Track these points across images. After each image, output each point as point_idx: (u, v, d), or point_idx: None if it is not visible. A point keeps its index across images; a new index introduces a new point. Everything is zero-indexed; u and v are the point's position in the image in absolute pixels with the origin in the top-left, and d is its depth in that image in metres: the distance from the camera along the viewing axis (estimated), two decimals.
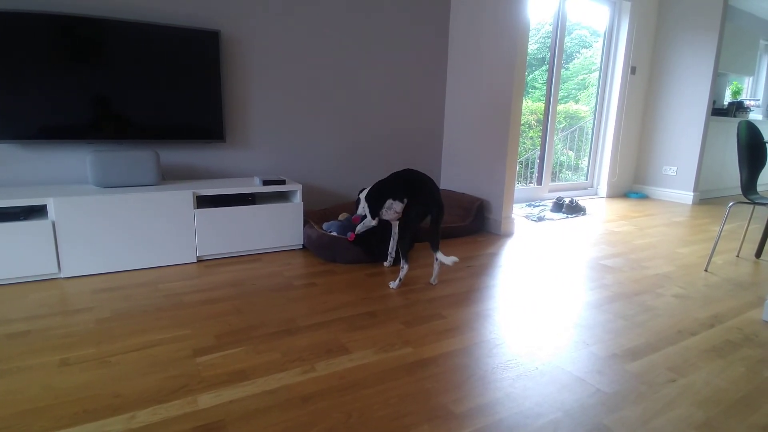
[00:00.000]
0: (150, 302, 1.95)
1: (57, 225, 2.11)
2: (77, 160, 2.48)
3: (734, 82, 5.65)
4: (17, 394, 1.31)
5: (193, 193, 2.40)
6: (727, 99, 5.54)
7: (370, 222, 2.33)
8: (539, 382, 1.44)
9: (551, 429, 1.22)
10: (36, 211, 2.21)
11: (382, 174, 3.51)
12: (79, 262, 2.19)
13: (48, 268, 2.13)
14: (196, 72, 2.59)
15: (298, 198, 2.71)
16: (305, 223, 2.76)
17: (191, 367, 1.47)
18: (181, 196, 2.36)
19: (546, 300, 2.10)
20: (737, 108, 5.16)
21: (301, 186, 2.70)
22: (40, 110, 2.26)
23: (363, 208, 2.34)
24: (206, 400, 1.30)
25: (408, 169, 2.25)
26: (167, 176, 2.72)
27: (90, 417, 1.22)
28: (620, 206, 4.45)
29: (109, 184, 2.33)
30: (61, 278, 2.17)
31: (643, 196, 4.99)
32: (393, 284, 2.19)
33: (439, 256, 2.09)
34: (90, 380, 1.38)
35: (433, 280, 2.26)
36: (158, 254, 2.36)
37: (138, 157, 2.38)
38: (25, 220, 2.08)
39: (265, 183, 2.63)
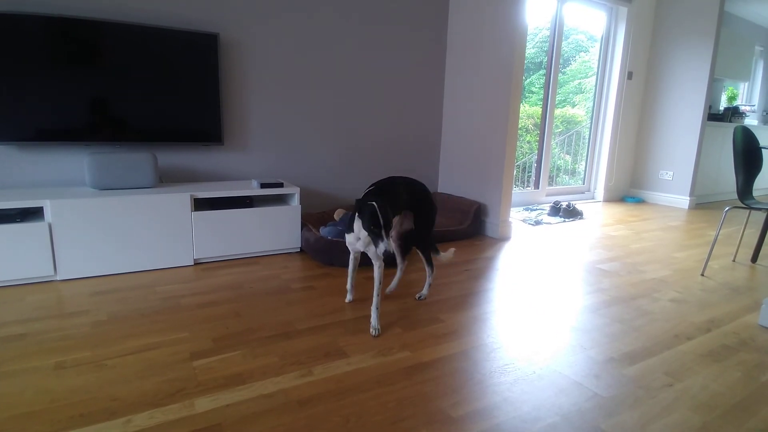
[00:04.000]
0: (147, 305, 1.94)
1: (53, 227, 2.10)
2: (74, 162, 2.47)
3: (730, 88, 5.70)
4: (12, 398, 1.30)
5: (191, 196, 2.39)
6: (723, 104, 5.58)
7: (386, 247, 1.69)
8: (537, 386, 1.44)
9: None
10: (32, 213, 2.20)
11: (380, 177, 3.51)
12: (75, 264, 2.18)
13: (44, 271, 2.12)
14: (194, 74, 2.59)
15: (295, 201, 2.71)
16: (303, 226, 2.76)
17: (188, 371, 1.46)
18: (179, 199, 2.36)
19: (543, 304, 2.10)
20: (733, 113, 5.20)
21: (298, 189, 2.70)
22: (37, 112, 2.26)
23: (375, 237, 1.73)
24: (203, 403, 1.30)
25: (379, 183, 1.91)
26: (165, 179, 2.72)
27: (86, 421, 1.21)
28: (617, 210, 4.47)
29: (106, 186, 2.33)
30: (57, 281, 2.16)
31: (639, 201, 5.01)
32: (421, 293, 2.11)
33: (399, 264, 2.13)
34: (86, 384, 1.37)
35: (391, 288, 2.16)
36: (155, 257, 2.35)
37: (135, 160, 2.37)
38: (22, 222, 2.07)
39: (263, 186, 2.63)
